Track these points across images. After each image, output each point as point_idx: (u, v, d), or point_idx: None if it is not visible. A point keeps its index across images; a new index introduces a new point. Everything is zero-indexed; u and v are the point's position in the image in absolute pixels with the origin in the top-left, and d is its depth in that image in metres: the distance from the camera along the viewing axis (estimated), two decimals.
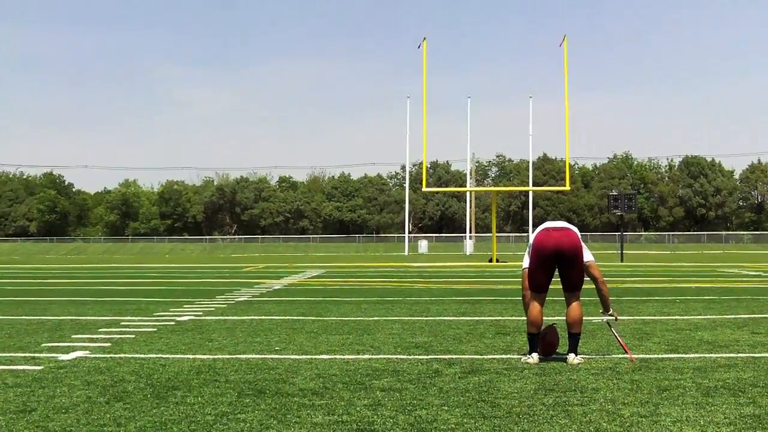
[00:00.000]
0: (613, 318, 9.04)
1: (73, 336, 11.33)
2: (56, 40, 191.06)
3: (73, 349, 9.99)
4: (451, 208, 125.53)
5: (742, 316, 13.69)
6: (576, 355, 8.69)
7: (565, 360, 8.67)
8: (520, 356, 9.05)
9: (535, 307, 8.86)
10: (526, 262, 9.06)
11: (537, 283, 8.89)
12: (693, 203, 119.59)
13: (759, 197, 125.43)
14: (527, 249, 9.08)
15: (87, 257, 76.52)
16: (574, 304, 8.86)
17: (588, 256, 8.92)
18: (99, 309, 15.68)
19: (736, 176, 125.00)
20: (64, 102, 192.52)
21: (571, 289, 8.89)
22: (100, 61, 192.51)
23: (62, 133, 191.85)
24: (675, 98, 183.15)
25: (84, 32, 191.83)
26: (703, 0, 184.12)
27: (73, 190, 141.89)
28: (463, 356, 9.19)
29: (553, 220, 9.52)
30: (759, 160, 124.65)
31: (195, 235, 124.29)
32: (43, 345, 10.41)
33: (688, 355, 9.17)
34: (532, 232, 9.23)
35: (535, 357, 8.71)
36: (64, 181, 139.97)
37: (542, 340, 8.86)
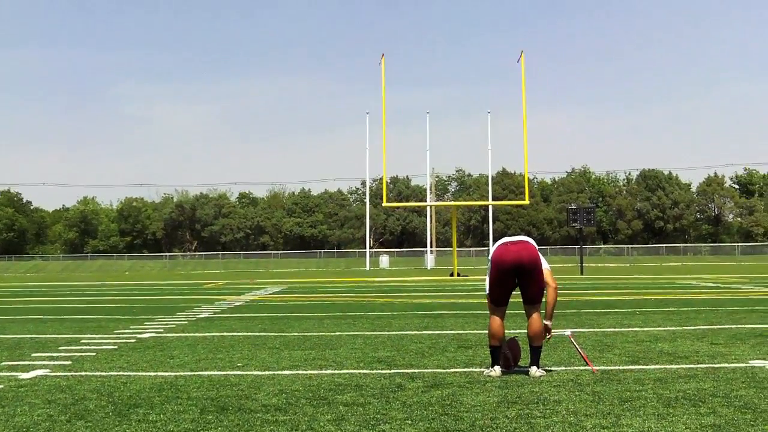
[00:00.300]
0: (548, 329, 9.00)
1: (33, 354, 11.22)
2: (14, 57, 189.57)
3: (34, 367, 9.90)
4: (411, 223, 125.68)
5: (702, 327, 13.81)
6: (538, 368, 8.72)
7: (527, 373, 8.71)
8: (482, 369, 9.08)
9: (495, 320, 8.88)
10: (488, 287, 9.03)
11: (497, 297, 8.91)
12: (651, 216, 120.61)
13: (716, 210, 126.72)
14: (487, 269, 9.07)
15: (46, 275, 75.76)
16: (535, 316, 8.86)
17: (545, 264, 8.98)
18: (59, 327, 15.54)
19: (693, 189, 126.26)
20: (22, 119, 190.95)
21: (531, 302, 8.90)
22: (58, 77, 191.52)
23: (20, 151, 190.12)
24: (632, 112, 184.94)
25: (42, 49, 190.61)
26: (658, 16, 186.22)
27: (31, 207, 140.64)
28: (426, 370, 9.20)
29: (512, 235, 9.52)
30: (715, 173, 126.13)
31: (155, 252, 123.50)
32: (3, 364, 10.30)
33: (648, 367, 9.24)
34: (492, 246, 9.26)
35: (497, 370, 8.73)
36: (21, 198, 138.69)
37: (503, 354, 8.90)
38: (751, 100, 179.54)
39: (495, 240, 9.66)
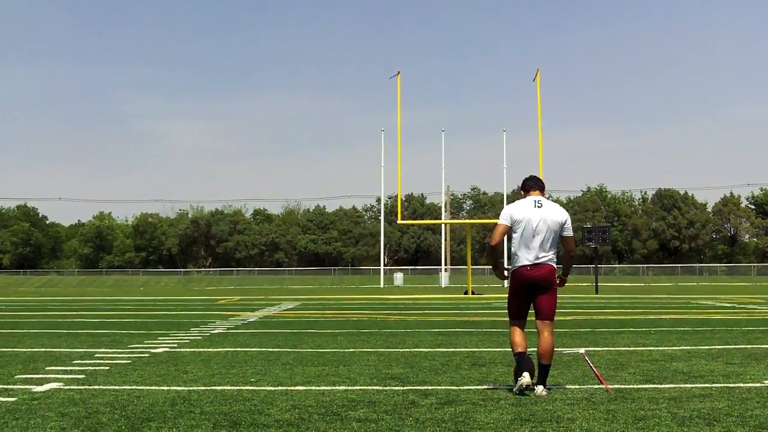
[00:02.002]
0: (563, 281, 9.11)
1: (47, 368, 11.25)
2: (31, 73, 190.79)
3: (47, 380, 9.92)
4: (426, 241, 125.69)
5: (717, 347, 13.75)
6: (544, 388, 8.67)
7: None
8: (496, 387, 9.06)
9: (516, 330, 8.86)
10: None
11: (514, 310, 8.93)
12: (666, 236, 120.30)
13: (732, 230, 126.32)
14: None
15: (61, 290, 75.94)
16: (546, 334, 8.83)
17: (569, 231, 9.01)
18: (73, 341, 15.57)
19: (709, 209, 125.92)
20: (39, 134, 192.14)
21: (544, 318, 8.87)
22: (74, 94, 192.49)
23: (36, 166, 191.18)
24: (648, 131, 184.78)
25: (58, 66, 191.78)
26: (675, 35, 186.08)
27: (47, 222, 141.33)
28: (439, 387, 9.18)
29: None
30: (731, 193, 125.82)
31: (170, 268, 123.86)
32: (17, 377, 10.33)
33: (663, 386, 9.20)
34: (507, 263, 9.23)
35: (527, 376, 8.50)
36: (38, 213, 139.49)
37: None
38: (767, 120, 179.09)
39: (509, 260, 9.47)
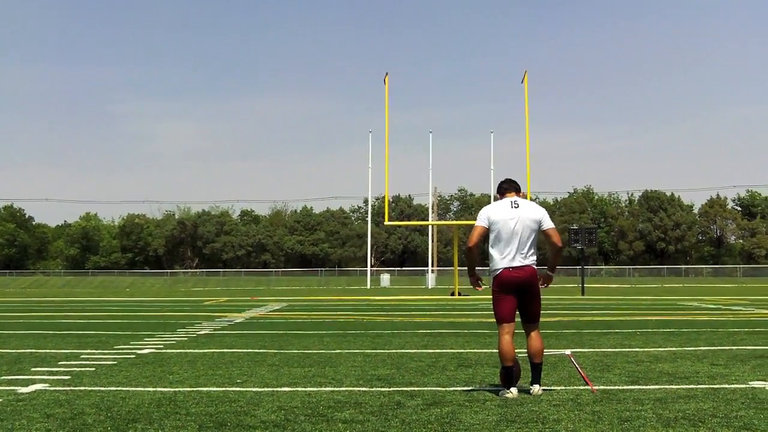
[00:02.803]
0: (550, 278, 9.20)
1: (33, 369, 11.22)
2: (18, 74, 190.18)
3: (33, 381, 9.90)
4: (413, 242, 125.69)
5: (702, 348, 13.79)
6: (539, 386, 8.72)
7: (527, 392, 8.70)
8: (482, 388, 9.08)
9: (504, 339, 8.75)
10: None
11: (501, 314, 8.87)
12: (653, 237, 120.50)
13: (718, 231, 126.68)
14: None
15: (47, 290, 75.66)
16: (534, 335, 8.90)
17: (549, 223, 9.02)
18: (59, 342, 15.54)
19: (695, 211, 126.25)
20: (25, 135, 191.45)
21: (531, 320, 8.92)
22: (61, 94, 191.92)
23: (22, 166, 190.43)
24: (635, 133, 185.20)
25: (45, 66, 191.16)
26: (662, 37, 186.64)
27: (33, 223, 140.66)
28: (425, 388, 9.19)
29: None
30: (718, 194, 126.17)
31: (156, 269, 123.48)
32: (2, 378, 10.30)
33: (648, 387, 9.23)
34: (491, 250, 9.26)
35: (514, 391, 8.54)
36: (24, 214, 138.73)
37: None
38: (754, 123, 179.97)
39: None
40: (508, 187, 9.28)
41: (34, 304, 37.32)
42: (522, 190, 9.33)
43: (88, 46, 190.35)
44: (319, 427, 7.00)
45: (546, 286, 9.16)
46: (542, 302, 9.12)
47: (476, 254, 9.17)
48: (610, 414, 7.52)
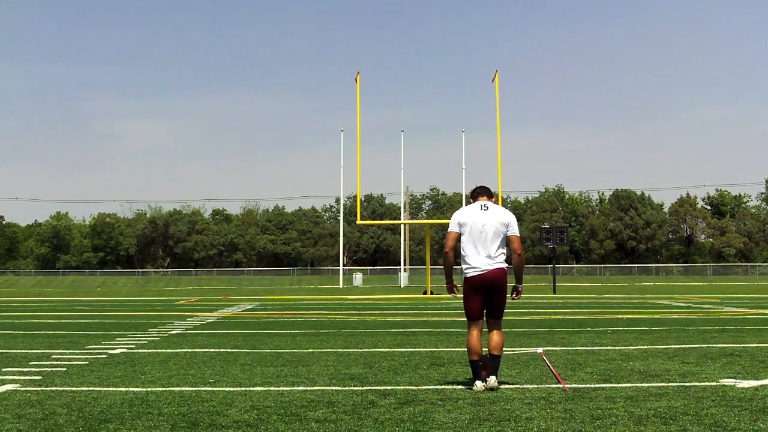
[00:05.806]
0: (519, 291, 9.38)
1: (3, 369, 11.14)
2: None
3: (3, 382, 9.83)
4: (385, 241, 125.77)
5: (673, 346, 13.87)
6: (496, 378, 8.86)
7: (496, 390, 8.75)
8: (454, 387, 9.10)
9: (472, 335, 9.06)
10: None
11: (470, 312, 9.15)
12: (624, 236, 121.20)
13: (688, 230, 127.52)
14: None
15: (17, 290, 75.16)
16: (496, 331, 9.15)
17: (515, 230, 9.23)
18: (29, 342, 15.44)
19: (666, 209, 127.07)
20: None
21: (495, 317, 9.18)
22: (32, 92, 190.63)
23: None
24: (606, 132, 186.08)
25: (16, 64, 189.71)
26: (631, 38, 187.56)
27: (4, 222, 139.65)
28: (398, 387, 9.20)
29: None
30: (687, 193, 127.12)
31: (127, 268, 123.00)
32: None
33: (620, 385, 9.27)
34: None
35: (479, 385, 8.82)
36: None
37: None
38: (722, 123, 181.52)
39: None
40: (480, 192, 9.58)
41: (4, 304, 37.06)
42: (494, 196, 9.55)
43: (59, 44, 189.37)
44: (292, 427, 6.99)
45: (518, 298, 9.38)
46: (506, 301, 9.27)
47: (452, 259, 9.36)
48: (582, 412, 7.55)
